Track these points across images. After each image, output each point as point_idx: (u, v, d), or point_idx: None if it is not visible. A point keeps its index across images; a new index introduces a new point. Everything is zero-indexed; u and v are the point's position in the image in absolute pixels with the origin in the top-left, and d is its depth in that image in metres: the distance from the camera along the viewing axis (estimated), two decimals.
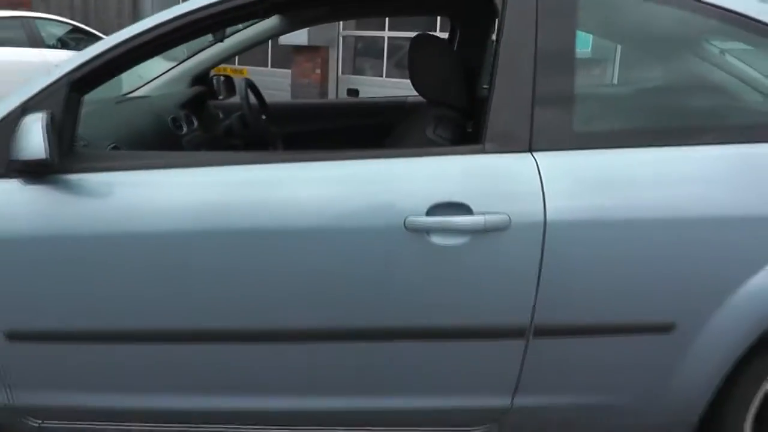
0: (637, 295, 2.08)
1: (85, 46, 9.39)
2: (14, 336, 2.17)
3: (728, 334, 2.13)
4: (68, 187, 2.11)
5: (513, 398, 2.20)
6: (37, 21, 10.42)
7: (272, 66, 13.79)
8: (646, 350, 2.15)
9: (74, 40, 10.72)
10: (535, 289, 2.06)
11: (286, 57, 13.06)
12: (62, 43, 10.56)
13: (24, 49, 9.97)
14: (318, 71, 12.45)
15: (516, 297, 2.07)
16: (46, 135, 1.96)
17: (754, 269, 2.09)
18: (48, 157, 1.96)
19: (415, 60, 2.65)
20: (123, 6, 15.90)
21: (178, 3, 14.53)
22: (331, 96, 12.48)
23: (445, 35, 3.79)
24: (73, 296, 2.12)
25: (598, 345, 2.14)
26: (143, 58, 2.32)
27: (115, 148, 2.60)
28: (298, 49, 12.47)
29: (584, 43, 2.84)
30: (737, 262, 2.09)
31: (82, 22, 12.28)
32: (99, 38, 11.03)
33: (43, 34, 10.33)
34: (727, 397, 2.27)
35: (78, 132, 2.26)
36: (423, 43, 2.66)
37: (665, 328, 2.12)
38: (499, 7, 2.15)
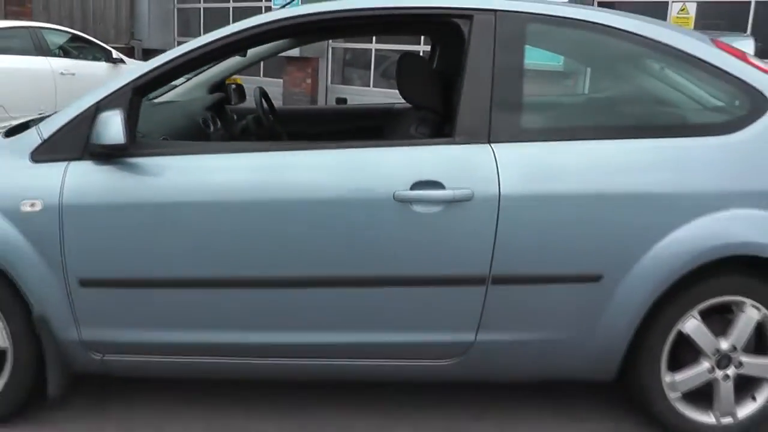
0: (571, 252, 2.72)
1: (87, 54, 9.87)
2: (85, 283, 2.77)
3: (644, 285, 2.77)
4: (132, 168, 2.73)
5: (476, 335, 2.82)
6: (42, 30, 10.93)
7: (264, 75, 14.40)
8: (580, 296, 2.78)
9: (75, 48, 11.22)
10: (492, 246, 2.69)
11: (279, 67, 13.66)
12: (64, 51, 11.06)
13: (31, 57, 10.48)
14: (308, 81, 13.05)
15: (477, 252, 2.70)
16: (123, 125, 2.58)
17: (663, 234, 2.73)
18: (125, 142, 2.59)
19: (402, 73, 3.29)
20: (120, 16, 16.40)
21: (174, 12, 15.01)
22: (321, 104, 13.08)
23: (428, 47, 4.41)
24: (133, 251, 2.73)
25: (542, 291, 2.77)
26: (188, 71, 2.95)
27: (164, 139, 3.22)
28: (290, 59, 13.08)
29: (556, 59, 3.49)
30: (650, 229, 2.73)
31: (81, 31, 12.77)
32: (98, 45, 11.57)
33: (47, 42, 10.84)
34: (645, 339, 2.88)
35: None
36: (408, 59, 3.30)
37: (595, 278, 2.76)
38: (466, 35, 2.80)
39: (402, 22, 3.97)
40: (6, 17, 14.71)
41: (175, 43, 16.75)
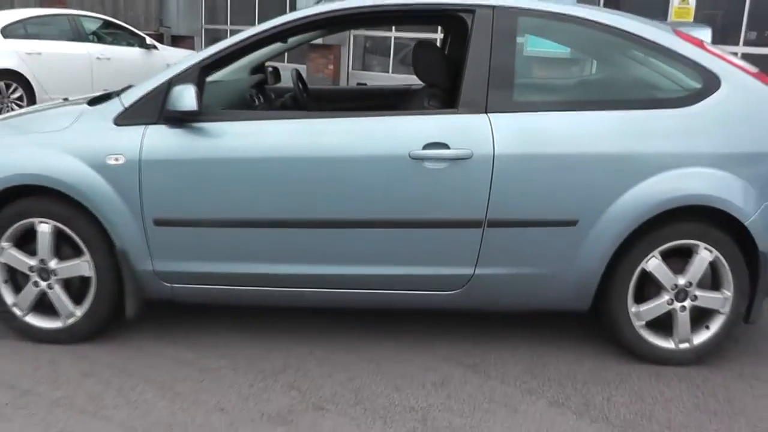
0: (552, 201, 3.36)
1: (121, 40, 10.51)
2: (159, 222, 3.44)
3: (613, 229, 3.39)
4: (199, 130, 3.39)
5: (475, 269, 3.47)
6: (80, 18, 11.63)
7: (289, 62, 15.04)
8: (559, 237, 3.42)
9: (109, 34, 11.89)
10: (487, 196, 3.33)
11: (302, 53, 14.30)
12: (98, 37, 11.72)
13: (71, 42, 11.18)
14: (331, 67, 13.69)
15: (475, 201, 3.34)
16: (196, 96, 3.25)
17: (629, 187, 3.36)
18: (198, 108, 3.25)
19: (417, 57, 3.94)
20: (149, 3, 17.07)
21: (201, 5, 15.63)
22: None
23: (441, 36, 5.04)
24: (198, 197, 3.39)
25: (529, 233, 3.41)
26: (245, 54, 3.62)
27: (224, 109, 3.89)
28: (312, 46, 13.72)
29: (564, 47, 4.13)
30: (618, 183, 3.36)
31: (112, 17, 13.40)
32: (132, 32, 12.23)
33: (85, 29, 11.53)
34: (614, 275, 3.51)
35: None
36: (422, 46, 3.95)
37: (572, 223, 3.39)
38: (469, 26, 3.44)
39: (421, 15, 4.67)
40: (42, 5, 15.42)
41: (202, 30, 17.38)
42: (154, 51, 12.11)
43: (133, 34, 12.24)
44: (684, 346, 3.60)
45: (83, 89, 10.82)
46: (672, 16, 9.47)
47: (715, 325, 3.59)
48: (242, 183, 3.37)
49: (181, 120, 3.38)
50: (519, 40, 3.45)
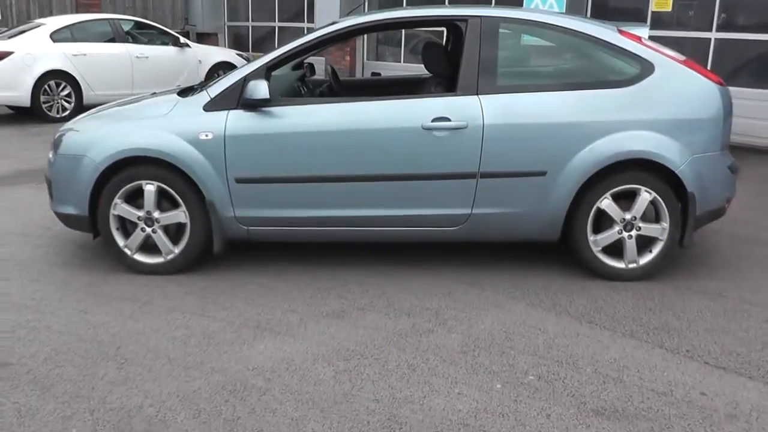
0: (528, 158, 4.56)
1: (157, 40, 11.71)
2: (239, 180, 4.66)
3: (573, 177, 4.58)
4: (268, 113, 4.62)
5: (472, 209, 4.69)
6: (119, 21, 12.81)
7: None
8: (533, 185, 4.62)
9: (143, 34, 13.03)
10: (479, 155, 4.55)
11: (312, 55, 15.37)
12: (133, 37, 12.86)
13: (112, 44, 12.37)
14: (347, 58, 14.83)
15: (471, 159, 4.56)
16: (268, 87, 4.48)
17: (585, 146, 4.56)
18: (270, 97, 4.49)
19: (425, 53, 5.18)
20: (176, 3, 18.25)
21: (223, 4, 16.72)
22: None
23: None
24: (268, 160, 4.60)
25: (511, 182, 4.61)
26: (301, 56, 4.87)
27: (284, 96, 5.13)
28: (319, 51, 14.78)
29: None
30: (577, 143, 4.55)
31: (141, 17, 14.45)
32: (167, 32, 13.41)
33: (124, 31, 12.71)
34: (576, 212, 4.71)
35: None
36: (429, 45, 5.20)
37: (542, 173, 4.60)
38: (464, 31, 4.69)
39: (433, 22, 6.07)
40: (77, 9, 16.64)
41: (225, 27, 18.53)
42: (187, 49, 13.30)
43: (165, 33, 13.39)
44: (632, 265, 4.80)
45: (125, 86, 12.06)
46: (653, 6, 10.59)
47: (656, 249, 4.79)
48: (301, 150, 4.59)
49: (255, 106, 4.61)
50: (501, 40, 4.67)
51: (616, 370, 3.64)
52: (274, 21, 17.20)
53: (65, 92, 11.75)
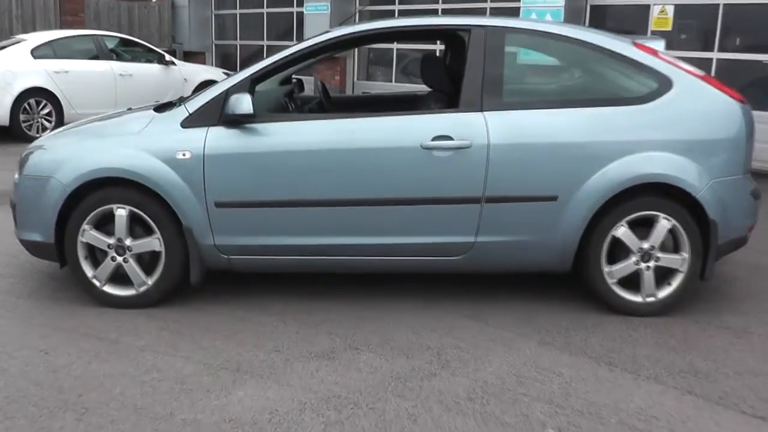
0: (537, 181, 4.16)
1: (141, 57, 11.35)
2: (219, 204, 4.23)
3: (587, 203, 4.18)
4: (252, 130, 4.20)
5: (476, 237, 4.27)
6: (103, 38, 12.43)
7: (296, 73, 15.82)
8: (543, 211, 4.21)
9: (127, 51, 12.67)
10: (484, 178, 4.14)
11: (310, 66, 15.06)
12: (117, 55, 12.50)
13: (96, 61, 11.99)
14: (337, 77, 14.49)
15: (475, 182, 4.14)
16: (251, 102, 4.06)
17: (599, 169, 4.16)
18: (254, 112, 4.06)
19: (425, 66, 4.77)
20: (163, 22, 17.89)
21: (211, 17, 16.35)
22: None
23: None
24: (252, 182, 4.17)
25: (518, 207, 4.20)
26: (288, 68, 4.44)
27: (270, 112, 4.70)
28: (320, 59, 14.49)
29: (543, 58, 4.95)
30: (590, 165, 4.16)
31: (128, 35, 14.13)
32: (152, 50, 13.03)
33: (108, 48, 12.33)
34: (589, 241, 4.30)
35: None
36: (429, 58, 4.79)
37: (553, 198, 4.19)
38: (467, 42, 4.27)
39: (431, 33, 5.61)
40: (61, 26, 16.26)
41: (213, 45, 18.19)
42: (172, 67, 12.92)
43: (151, 50, 13.01)
44: (650, 299, 4.38)
45: (108, 104, 11.64)
46: (652, 26, 10.28)
47: (676, 281, 4.37)
48: (287, 171, 4.17)
49: (238, 122, 4.19)
50: (508, 51, 4.27)
51: (644, 420, 3.22)
52: (263, 39, 16.88)
53: (46, 111, 11.39)
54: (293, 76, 5.87)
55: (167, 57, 13.03)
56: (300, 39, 14.58)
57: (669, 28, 10.06)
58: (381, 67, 14.49)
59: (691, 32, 10.24)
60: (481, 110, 4.19)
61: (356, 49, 14.53)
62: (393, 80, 14.15)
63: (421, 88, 4.71)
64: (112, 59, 12.28)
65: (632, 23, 10.66)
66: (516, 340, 4.05)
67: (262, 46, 16.87)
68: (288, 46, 4.41)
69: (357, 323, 4.24)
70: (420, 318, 4.33)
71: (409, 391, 3.44)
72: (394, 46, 13.88)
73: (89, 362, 3.70)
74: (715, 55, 9.86)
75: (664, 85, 4.27)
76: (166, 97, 12.30)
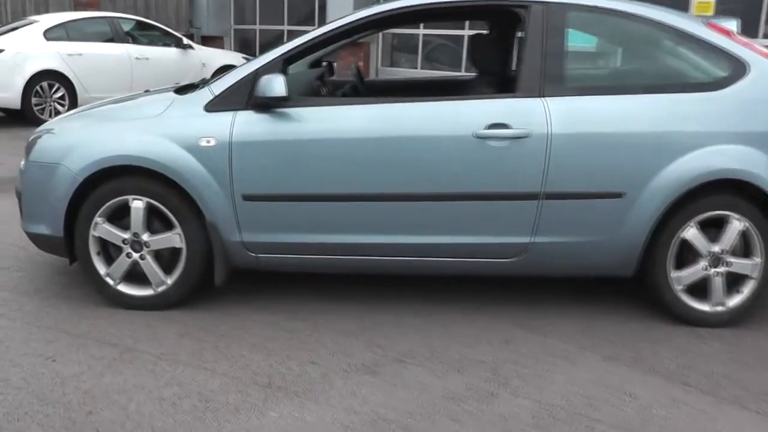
0: (601, 175, 3.71)
1: (158, 41, 10.94)
2: (247, 197, 3.81)
3: (655, 201, 3.74)
4: (284, 115, 3.77)
5: (532, 238, 3.83)
6: (118, 20, 12.03)
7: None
8: (607, 208, 3.77)
9: (143, 35, 12.28)
10: (544, 171, 3.70)
11: (333, 51, 14.64)
12: (133, 38, 12.12)
13: (111, 44, 11.59)
14: (360, 63, 14.06)
15: (533, 176, 3.71)
16: (284, 83, 3.63)
17: (668, 163, 3.72)
18: (287, 94, 3.63)
19: (474, 47, 4.32)
20: (180, 5, 17.44)
21: (230, 1, 15.96)
22: None
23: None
24: (285, 173, 3.76)
25: (581, 205, 3.76)
26: (321, 48, 4.00)
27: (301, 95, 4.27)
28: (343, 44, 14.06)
29: (590, 41, 4.49)
30: (659, 158, 3.71)
31: (144, 18, 13.75)
32: (169, 33, 12.63)
33: (124, 31, 11.93)
34: (656, 243, 3.87)
35: None
36: (478, 39, 4.34)
37: (618, 195, 3.75)
38: (525, 20, 3.81)
39: (478, 11, 5.08)
40: (75, 8, 15.85)
41: (231, 30, 17.76)
42: (190, 51, 12.52)
43: (168, 34, 12.62)
44: (719, 308, 3.94)
45: (123, 88, 11.25)
46: (693, 10, 9.79)
47: (747, 289, 3.93)
48: (327, 161, 3.75)
49: (269, 105, 3.76)
50: (570, 30, 3.82)
51: None
52: (283, 24, 16.43)
53: (58, 94, 11.00)
54: (322, 59, 5.43)
55: (185, 41, 12.63)
56: (322, 24, 14.16)
57: (711, 13, 9.55)
58: (405, 54, 14.02)
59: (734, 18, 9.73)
60: (541, 95, 3.74)
61: (380, 35, 14.10)
62: (418, 66, 13.68)
63: (449, 74, 4.26)
64: (127, 42, 11.89)
65: (672, 7, 10.14)
66: (578, 354, 3.62)
67: (283, 31, 16.43)
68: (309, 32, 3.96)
69: (399, 331, 3.82)
70: (468, 327, 3.91)
71: (466, 414, 3.02)
72: (421, 31, 13.43)
73: (101, 373, 3.31)
74: (760, 42, 9.35)
75: (739, 69, 3.82)
76: (184, 81, 11.91)
